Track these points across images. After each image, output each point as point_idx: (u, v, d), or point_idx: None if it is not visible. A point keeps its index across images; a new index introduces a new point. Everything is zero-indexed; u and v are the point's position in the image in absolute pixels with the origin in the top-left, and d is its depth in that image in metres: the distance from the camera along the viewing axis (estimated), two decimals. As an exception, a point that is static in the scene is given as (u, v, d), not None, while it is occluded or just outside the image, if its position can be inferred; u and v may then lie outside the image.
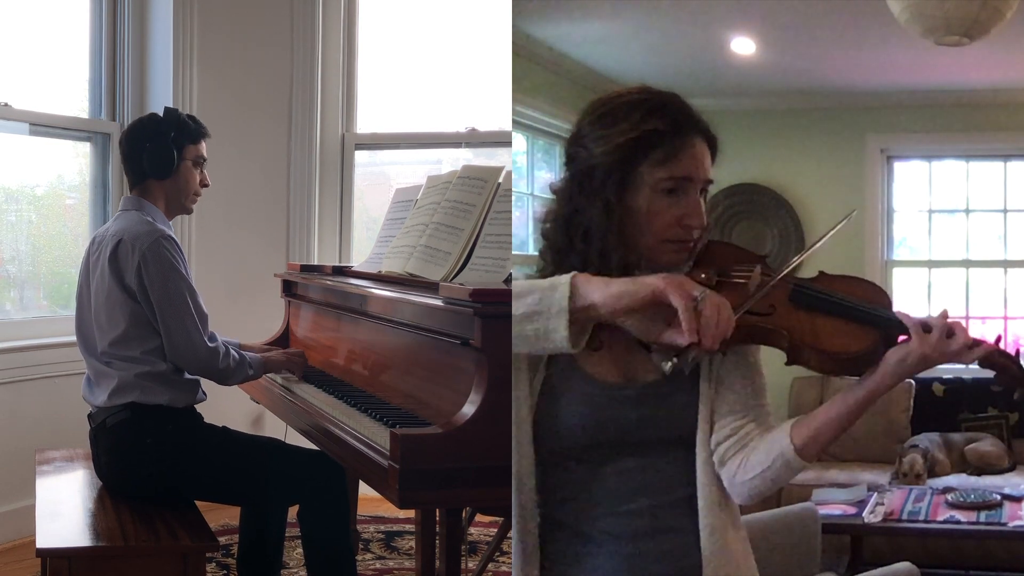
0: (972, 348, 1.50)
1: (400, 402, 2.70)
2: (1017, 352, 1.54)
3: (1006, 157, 5.61)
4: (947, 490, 4.15)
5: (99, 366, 3.01)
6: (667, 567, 1.60)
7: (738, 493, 1.60)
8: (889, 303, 1.58)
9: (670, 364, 1.45)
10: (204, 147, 3.17)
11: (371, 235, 4.58)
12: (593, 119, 1.60)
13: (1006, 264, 5.60)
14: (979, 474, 4.64)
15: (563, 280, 1.46)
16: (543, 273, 1.63)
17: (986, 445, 4.78)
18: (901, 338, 1.54)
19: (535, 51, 4.77)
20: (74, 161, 4.87)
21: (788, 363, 1.56)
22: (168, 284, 2.91)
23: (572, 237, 1.59)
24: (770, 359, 1.65)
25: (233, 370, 3.02)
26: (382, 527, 4.51)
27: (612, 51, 4.93)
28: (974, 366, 1.54)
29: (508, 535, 2.33)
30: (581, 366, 1.62)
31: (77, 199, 4.88)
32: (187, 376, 2.99)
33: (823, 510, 3.69)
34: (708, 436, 1.61)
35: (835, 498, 4.07)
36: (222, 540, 3.93)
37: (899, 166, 5.77)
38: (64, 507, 2.88)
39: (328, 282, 3.33)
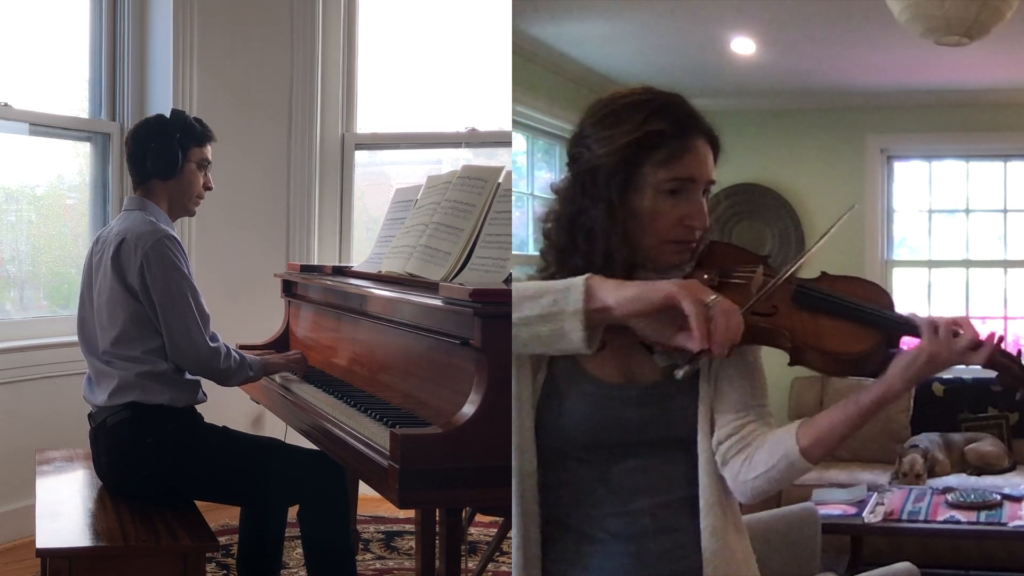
0: (979, 347, 1.50)
1: (400, 402, 2.70)
2: (1019, 352, 1.54)
3: (1006, 157, 5.61)
4: (947, 490, 4.15)
5: (100, 365, 3.01)
6: (668, 567, 1.60)
7: (741, 492, 1.60)
8: (891, 304, 1.58)
9: (683, 371, 1.48)
10: (209, 150, 3.18)
11: (371, 235, 4.58)
12: (596, 119, 1.60)
13: (1006, 264, 5.60)
14: (979, 474, 4.64)
15: (577, 282, 1.46)
16: (545, 273, 1.63)
17: (986, 445, 4.78)
18: (903, 339, 1.54)
19: (535, 51, 4.77)
20: (74, 161, 4.87)
21: (791, 364, 1.56)
22: (170, 284, 2.91)
23: (575, 237, 1.59)
24: (771, 359, 1.65)
25: (234, 371, 3.02)
26: (382, 527, 4.51)
27: (612, 51, 4.93)
28: (974, 366, 1.54)
29: (508, 535, 2.33)
30: (583, 366, 1.62)
31: (77, 199, 4.88)
32: (188, 376, 2.99)
33: (823, 510, 3.69)
34: (709, 436, 1.61)
35: (835, 498, 4.07)
36: (222, 540, 3.93)
37: (899, 166, 5.77)
38: (64, 507, 2.88)
39: (328, 282, 3.33)
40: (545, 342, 1.48)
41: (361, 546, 4.09)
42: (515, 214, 2.83)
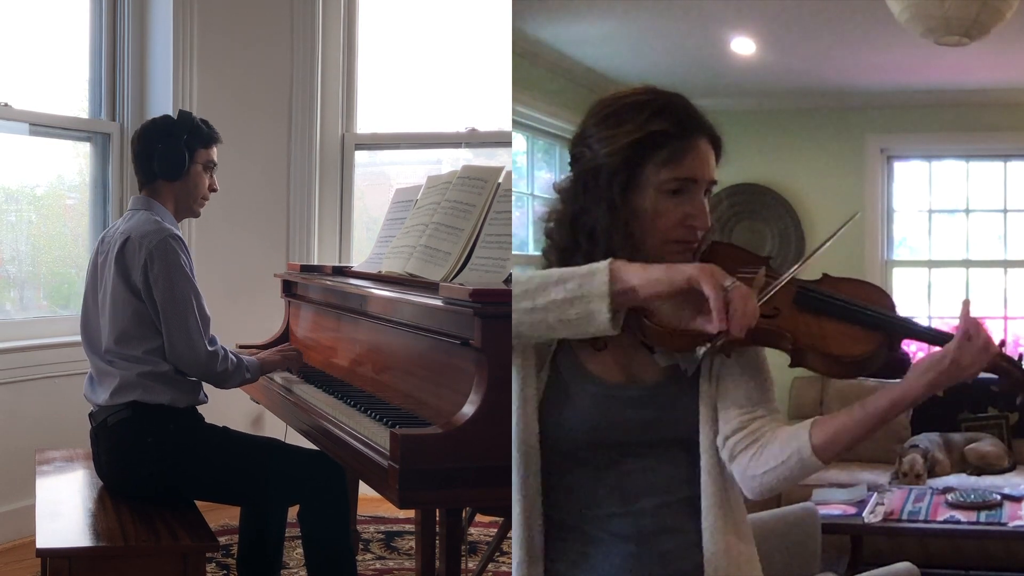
0: (989, 348, 1.49)
1: (400, 402, 2.70)
2: (1020, 356, 1.55)
3: (1006, 157, 5.61)
4: (947, 490, 4.14)
5: (102, 365, 3.01)
6: (669, 568, 1.60)
7: (749, 488, 1.59)
8: (893, 306, 1.59)
9: (705, 349, 1.50)
10: (215, 152, 3.17)
11: (371, 235, 4.58)
12: (598, 119, 1.61)
13: (1006, 264, 5.60)
14: (979, 474, 4.64)
15: (602, 266, 1.50)
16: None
17: (986, 445, 4.78)
18: (905, 342, 1.55)
19: (535, 51, 4.77)
20: (74, 161, 4.87)
21: (792, 365, 1.56)
22: (173, 285, 2.91)
23: (577, 237, 1.60)
24: (771, 360, 1.65)
25: (231, 373, 3.01)
26: (382, 527, 4.51)
27: (612, 51, 4.93)
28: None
29: (508, 535, 2.33)
30: (585, 366, 1.62)
31: (77, 199, 4.88)
32: (189, 377, 2.99)
33: (823, 510, 3.69)
34: (711, 437, 1.60)
35: (835, 498, 4.07)
36: (222, 540, 3.93)
37: (899, 166, 5.78)
38: (64, 507, 2.88)
39: (328, 282, 3.33)
40: (573, 325, 1.51)
41: (361, 546, 4.09)
42: (515, 214, 2.83)
